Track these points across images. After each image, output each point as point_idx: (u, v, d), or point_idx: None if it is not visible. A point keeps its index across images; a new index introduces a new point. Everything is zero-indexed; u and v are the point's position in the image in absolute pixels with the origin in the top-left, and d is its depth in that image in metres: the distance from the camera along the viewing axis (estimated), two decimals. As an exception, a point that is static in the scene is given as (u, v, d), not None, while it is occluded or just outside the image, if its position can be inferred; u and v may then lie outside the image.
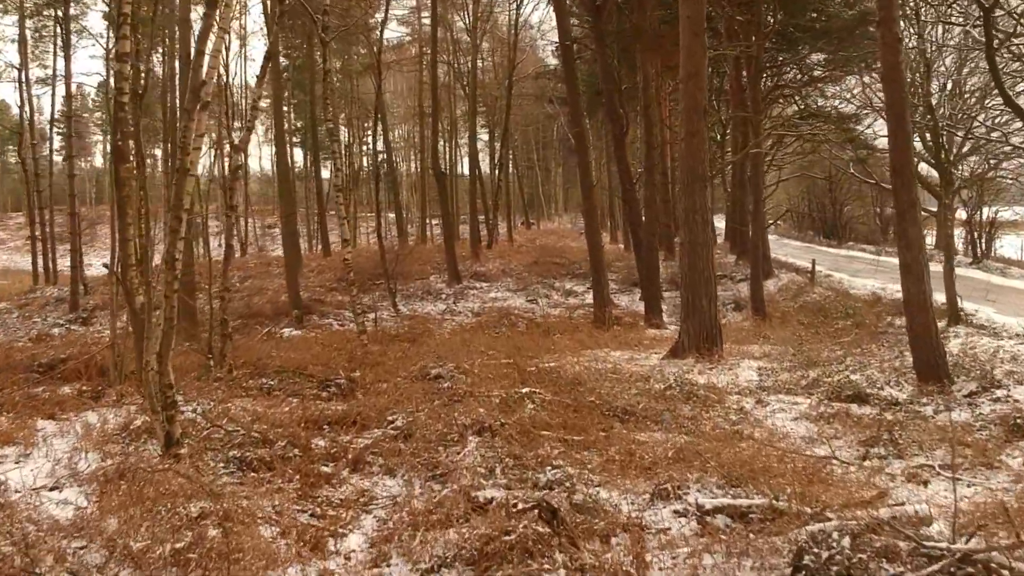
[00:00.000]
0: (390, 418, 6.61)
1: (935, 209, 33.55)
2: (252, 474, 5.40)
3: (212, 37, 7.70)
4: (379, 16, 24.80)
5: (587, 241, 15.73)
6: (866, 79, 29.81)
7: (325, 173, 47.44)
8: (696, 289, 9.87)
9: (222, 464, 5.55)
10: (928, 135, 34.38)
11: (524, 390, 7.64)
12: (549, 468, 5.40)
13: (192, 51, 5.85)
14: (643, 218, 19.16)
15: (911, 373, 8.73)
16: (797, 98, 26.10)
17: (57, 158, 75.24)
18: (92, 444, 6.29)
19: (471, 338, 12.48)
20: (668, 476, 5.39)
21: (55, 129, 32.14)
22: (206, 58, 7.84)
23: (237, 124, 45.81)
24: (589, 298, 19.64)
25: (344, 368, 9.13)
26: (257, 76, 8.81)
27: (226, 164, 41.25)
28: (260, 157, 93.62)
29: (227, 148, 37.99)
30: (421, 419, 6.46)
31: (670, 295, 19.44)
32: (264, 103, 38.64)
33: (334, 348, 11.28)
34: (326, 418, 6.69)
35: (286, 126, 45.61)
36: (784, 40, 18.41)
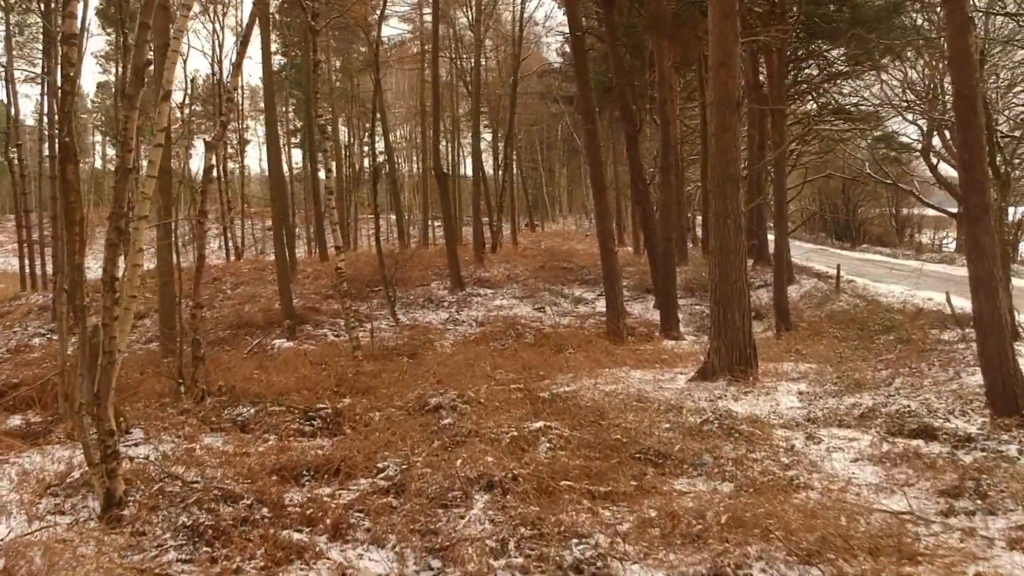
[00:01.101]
0: (380, 465, 5.56)
1: (955, 211, 32.43)
2: (205, 548, 4.34)
3: (179, 16, 6.64)
4: (378, 12, 23.79)
5: (600, 247, 14.67)
6: (884, 76, 28.79)
7: (323, 174, 46.55)
8: (728, 302, 8.80)
9: (170, 533, 4.49)
10: (948, 133, 32.97)
11: (538, 424, 6.60)
12: (575, 541, 4.35)
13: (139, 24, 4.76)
14: (656, 221, 18.10)
15: (977, 400, 7.66)
16: (814, 95, 24.98)
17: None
18: (23, 498, 5.26)
19: (475, 354, 11.42)
20: (723, 548, 4.35)
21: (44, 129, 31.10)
22: (171, 37, 6.80)
23: (241, 124, 44.83)
24: (600, 306, 18.57)
25: (332, 394, 8.09)
26: (233, 64, 7.77)
27: (221, 164, 40.22)
28: (260, 158, 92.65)
29: (229, 147, 36.94)
30: (417, 467, 5.41)
31: (684, 302, 18.38)
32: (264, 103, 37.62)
33: (324, 366, 10.23)
34: (305, 464, 5.63)
35: (288, 126, 44.81)
36: (807, 32, 17.32)
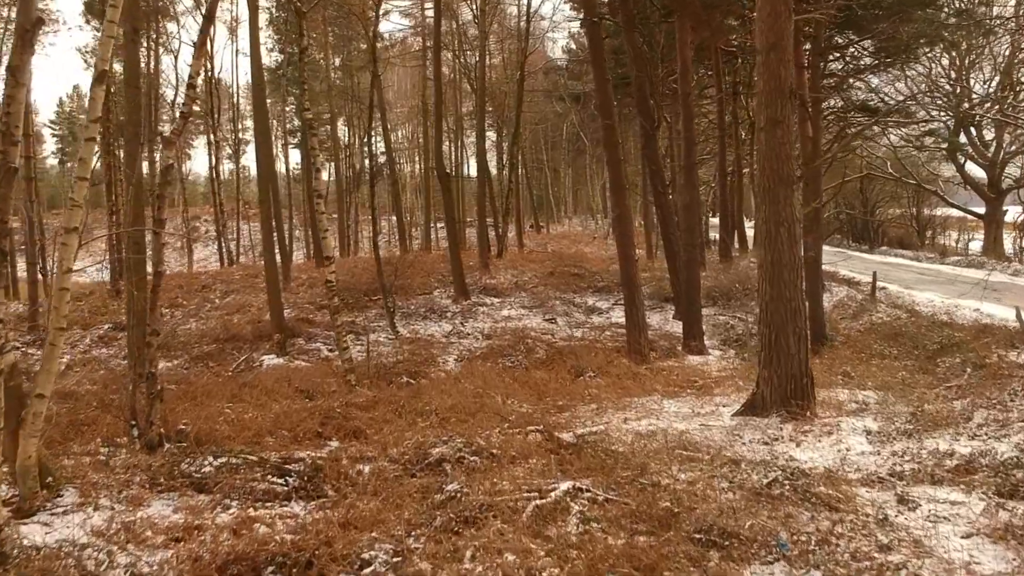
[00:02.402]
0: (365, 555, 4.26)
1: (982, 211, 31.08)
2: None
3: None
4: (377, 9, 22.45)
5: (618, 253, 13.38)
6: (909, 72, 27.41)
7: (323, 175, 45.23)
8: (781, 325, 7.50)
9: None
10: (974, 130, 31.58)
11: (565, 486, 5.30)
12: None
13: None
14: (676, 224, 16.82)
15: (1088, 444, 6.36)
16: (839, 90, 23.61)
17: (53, 160, 73.24)
18: None
19: (483, 379, 10.11)
20: None
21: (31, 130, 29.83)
22: (108, 4, 5.60)
23: (239, 124, 43.60)
24: (615, 316, 17.28)
25: (315, 436, 6.81)
26: (195, 44, 6.45)
27: (222, 164, 39.07)
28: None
29: (224, 148, 35.66)
30: (414, 561, 4.12)
31: (706, 312, 17.04)
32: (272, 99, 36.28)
33: (310, 394, 8.96)
34: (268, 552, 4.34)
35: (286, 125, 43.53)
36: (837, 21, 15.97)
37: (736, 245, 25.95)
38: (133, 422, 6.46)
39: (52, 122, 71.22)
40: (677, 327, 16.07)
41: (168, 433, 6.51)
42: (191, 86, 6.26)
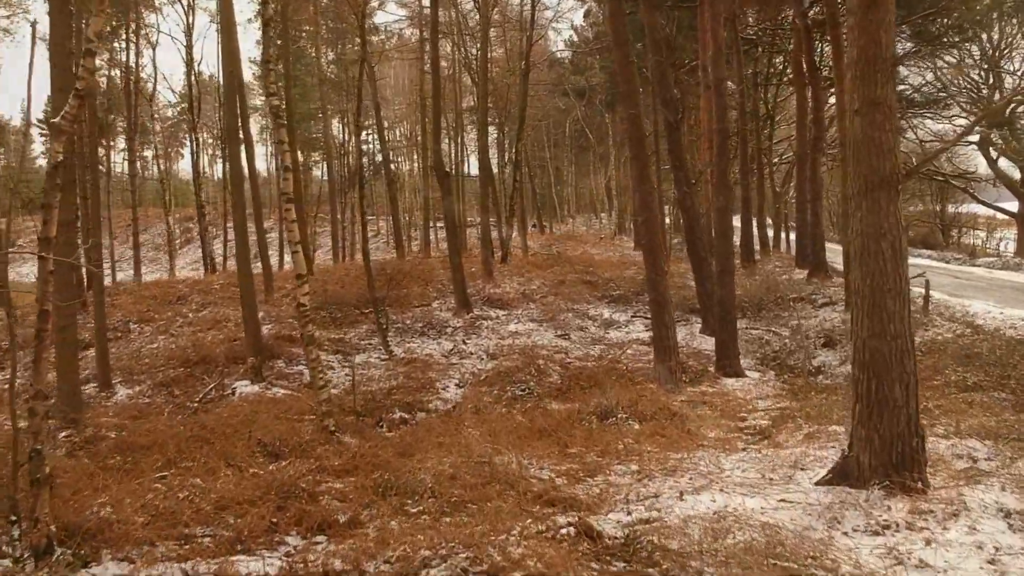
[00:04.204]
0: None
1: (1015, 209, 29.27)
2: None
3: None
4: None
5: (645, 264, 11.60)
6: (943, 61, 25.63)
7: (315, 173, 43.39)
8: (884, 370, 5.71)
9: None
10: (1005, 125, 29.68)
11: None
12: None
13: None
14: (702, 228, 15.07)
15: None
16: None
17: (42, 161, 71.70)
18: None
19: (491, 427, 8.33)
20: None
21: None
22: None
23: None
24: (635, 331, 15.52)
25: (267, 530, 5.03)
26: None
27: (215, 164, 37.07)
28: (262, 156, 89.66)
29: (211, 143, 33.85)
30: None
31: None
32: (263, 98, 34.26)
33: (275, 451, 7.18)
34: None
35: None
36: None
37: (758, 248, 24.19)
38: (13, 518, 4.68)
39: (40, 121, 69.29)
40: (705, 343, 14.33)
41: (62, 532, 4.71)
42: (89, 53, 4.48)
